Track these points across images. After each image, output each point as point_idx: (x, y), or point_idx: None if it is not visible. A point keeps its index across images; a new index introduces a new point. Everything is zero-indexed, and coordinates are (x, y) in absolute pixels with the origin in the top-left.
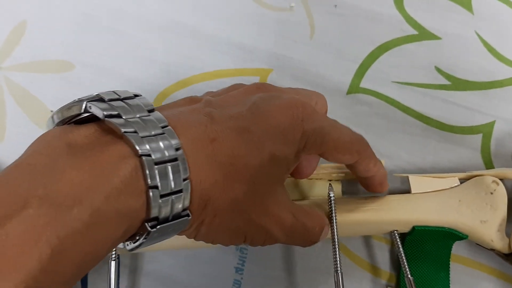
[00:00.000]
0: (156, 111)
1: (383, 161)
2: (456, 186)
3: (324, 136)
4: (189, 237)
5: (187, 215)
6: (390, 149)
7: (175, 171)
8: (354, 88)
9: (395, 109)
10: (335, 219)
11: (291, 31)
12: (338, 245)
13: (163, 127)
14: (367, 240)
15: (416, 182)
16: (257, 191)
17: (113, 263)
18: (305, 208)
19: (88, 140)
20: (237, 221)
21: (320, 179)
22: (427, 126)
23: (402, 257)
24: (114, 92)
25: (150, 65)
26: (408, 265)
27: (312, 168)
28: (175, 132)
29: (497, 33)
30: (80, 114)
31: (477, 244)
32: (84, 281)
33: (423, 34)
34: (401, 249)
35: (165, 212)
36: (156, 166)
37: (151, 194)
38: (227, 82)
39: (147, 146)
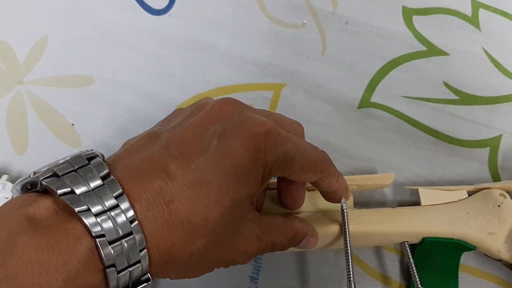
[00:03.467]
0: (110, 177)
1: (393, 174)
2: (464, 198)
3: (289, 160)
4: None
5: (147, 279)
6: (400, 162)
7: (131, 245)
8: (365, 103)
9: (404, 123)
10: (348, 230)
11: (303, 47)
12: (351, 256)
13: (117, 197)
14: (378, 250)
15: (426, 195)
16: (220, 238)
17: None
18: (278, 224)
19: (47, 213)
20: (202, 263)
21: None
22: (436, 140)
23: (412, 267)
24: (68, 162)
25: (168, 80)
26: (418, 275)
27: (303, 198)
28: (129, 199)
29: (503, 49)
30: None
31: (485, 255)
32: None
33: (432, 50)
34: (411, 259)
35: (123, 282)
36: (111, 246)
37: (108, 272)
38: (241, 97)
39: (101, 225)
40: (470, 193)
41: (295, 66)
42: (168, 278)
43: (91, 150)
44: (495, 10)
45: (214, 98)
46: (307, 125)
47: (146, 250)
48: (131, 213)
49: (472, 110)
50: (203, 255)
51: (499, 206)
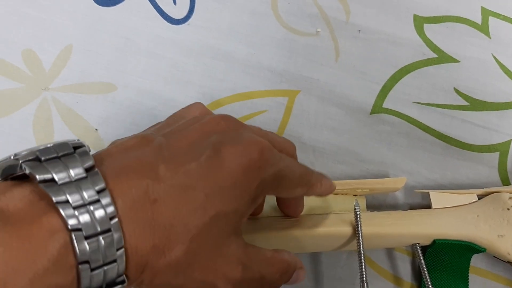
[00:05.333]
0: (95, 169)
1: (404, 178)
2: (474, 202)
3: (281, 179)
4: None
5: (123, 281)
6: (411, 166)
7: (108, 243)
8: (377, 108)
9: (416, 129)
10: (361, 232)
11: (317, 54)
12: (363, 257)
13: (99, 191)
14: (389, 252)
15: (437, 198)
16: (200, 250)
17: None
18: (266, 255)
19: (22, 204)
20: (178, 279)
21: (346, 194)
22: (446, 145)
23: (423, 269)
24: (53, 147)
25: (187, 87)
26: (429, 276)
27: (302, 207)
28: (112, 195)
29: None
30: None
31: (495, 257)
32: None
33: (443, 58)
34: (422, 261)
35: (97, 282)
36: (87, 240)
37: (81, 269)
38: (257, 103)
39: (79, 219)
40: (480, 197)
41: (309, 73)
42: None
43: (78, 140)
44: (505, 18)
45: (232, 104)
46: (320, 130)
47: (123, 249)
48: (111, 209)
49: (482, 116)
50: (180, 268)
51: (508, 209)
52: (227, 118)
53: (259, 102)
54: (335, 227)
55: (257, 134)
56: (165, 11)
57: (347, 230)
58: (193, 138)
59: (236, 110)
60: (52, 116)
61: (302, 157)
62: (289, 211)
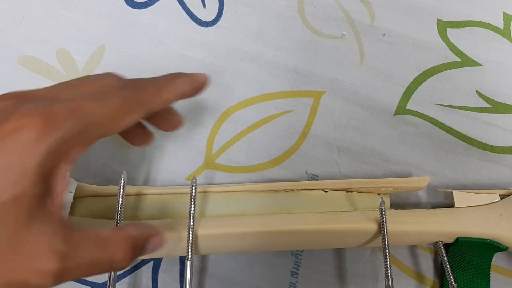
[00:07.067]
0: None
1: (428, 177)
2: (497, 201)
3: (83, 131)
4: None
5: None
6: (434, 166)
7: None
8: (401, 110)
9: (439, 130)
10: (386, 229)
11: (342, 57)
12: (388, 253)
13: None
14: (412, 250)
15: (460, 197)
16: None
17: (188, 263)
18: (101, 236)
19: None
20: None
21: (370, 192)
22: (469, 146)
23: (446, 266)
24: None
25: (215, 88)
26: (451, 273)
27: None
28: None
29: None
30: None
31: None
32: (154, 280)
33: (465, 61)
34: (445, 258)
35: None
36: None
37: None
38: (283, 103)
39: None
40: (502, 197)
41: (334, 74)
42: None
43: None
44: None
45: (259, 104)
46: (345, 130)
47: None
48: None
49: (504, 118)
50: None
51: None
52: (7, 95)
53: (285, 102)
54: (360, 224)
55: (48, 95)
56: (195, 13)
57: (372, 227)
58: None
59: (262, 110)
60: None
61: (327, 157)
62: (134, 141)
